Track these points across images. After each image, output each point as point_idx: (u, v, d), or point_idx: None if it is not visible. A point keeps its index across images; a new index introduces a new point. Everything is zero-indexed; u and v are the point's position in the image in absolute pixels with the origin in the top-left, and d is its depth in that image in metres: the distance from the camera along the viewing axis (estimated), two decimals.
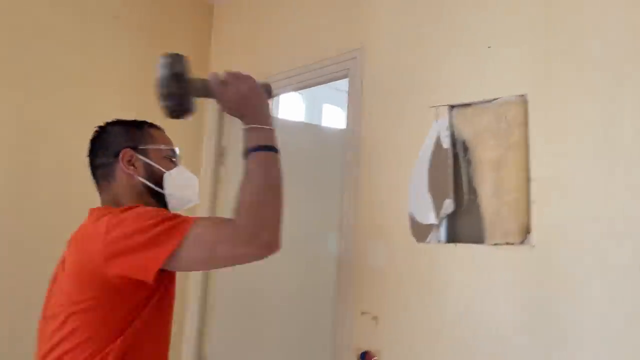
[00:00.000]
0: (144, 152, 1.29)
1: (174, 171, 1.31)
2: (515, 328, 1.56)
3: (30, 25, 2.25)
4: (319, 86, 3.35)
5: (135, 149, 1.29)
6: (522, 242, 1.59)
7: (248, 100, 1.22)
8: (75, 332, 1.10)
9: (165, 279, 1.17)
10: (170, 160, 1.33)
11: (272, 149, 1.19)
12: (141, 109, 2.55)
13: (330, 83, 2.71)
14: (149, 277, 1.07)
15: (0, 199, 2.11)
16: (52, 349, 1.11)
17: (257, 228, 1.09)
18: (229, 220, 1.11)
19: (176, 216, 1.14)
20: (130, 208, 1.17)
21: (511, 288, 1.60)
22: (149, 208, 1.19)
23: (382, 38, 2.11)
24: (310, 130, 2.96)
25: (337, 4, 2.33)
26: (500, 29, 1.75)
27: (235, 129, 2.79)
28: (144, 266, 1.07)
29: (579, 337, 1.44)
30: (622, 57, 1.48)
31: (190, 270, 1.99)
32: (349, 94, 2.15)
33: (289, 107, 3.63)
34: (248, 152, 1.18)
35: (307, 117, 3.93)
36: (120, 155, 1.27)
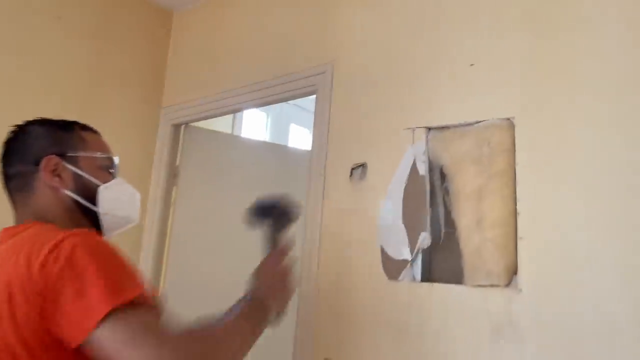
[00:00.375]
0: (74, 160, 1.05)
1: (111, 184, 1.08)
2: None
3: None
4: (286, 106, 3.14)
5: (62, 155, 1.04)
6: (507, 285, 1.39)
7: (281, 287, 1.17)
8: None
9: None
10: (107, 171, 1.10)
11: (261, 324, 1.05)
12: (85, 116, 2.30)
13: (298, 103, 2.52)
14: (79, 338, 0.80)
15: None
16: None
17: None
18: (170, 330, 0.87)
19: (134, 276, 0.88)
20: (74, 237, 0.87)
21: (495, 337, 1.39)
22: (103, 248, 0.90)
23: (354, 52, 1.93)
24: (275, 151, 2.74)
25: (307, 14, 2.14)
26: (485, 45, 1.58)
27: (191, 147, 2.56)
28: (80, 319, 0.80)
29: None
30: (618, 80, 1.32)
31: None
32: (316, 112, 1.94)
33: (253, 126, 3.41)
34: (248, 298, 1.06)
35: (273, 137, 3.71)
36: (43, 163, 1.02)
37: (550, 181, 1.38)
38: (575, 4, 1.43)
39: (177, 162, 2.55)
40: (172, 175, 2.53)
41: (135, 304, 0.82)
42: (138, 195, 1.16)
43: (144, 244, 2.47)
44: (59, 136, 1.07)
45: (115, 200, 1.09)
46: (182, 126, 2.58)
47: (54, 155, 1.03)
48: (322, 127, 1.90)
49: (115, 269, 0.86)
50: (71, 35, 2.31)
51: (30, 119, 2.13)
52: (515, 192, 1.43)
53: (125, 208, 1.12)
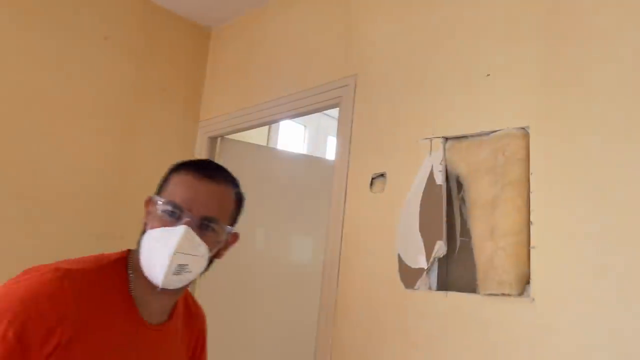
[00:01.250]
0: (152, 202, 1.02)
1: (151, 232, 0.97)
2: None
3: (14, 45, 2.17)
4: (324, 118, 3.23)
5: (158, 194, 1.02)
6: (520, 294, 1.39)
7: None
8: None
9: None
10: (169, 216, 0.97)
11: None
12: (126, 133, 2.46)
13: (335, 115, 2.60)
14: None
15: None
16: None
17: None
18: None
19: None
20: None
21: (509, 347, 1.38)
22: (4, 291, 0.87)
23: (376, 66, 1.97)
24: (307, 162, 2.81)
25: (332, 30, 2.21)
26: (500, 56, 1.59)
27: (226, 158, 2.67)
28: None
29: None
30: (632, 89, 1.30)
31: None
32: (339, 123, 2.00)
33: (291, 139, 3.50)
34: None
35: (311, 150, 3.80)
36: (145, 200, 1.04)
37: (564, 190, 1.37)
38: (589, 14, 1.42)
39: None
40: None
41: None
42: (170, 251, 0.93)
43: None
44: (164, 176, 1.05)
45: (147, 253, 0.97)
46: (218, 138, 2.70)
47: (152, 195, 1.03)
48: (344, 139, 1.96)
49: None
50: (116, 54, 2.48)
51: (78, 134, 2.31)
52: (528, 202, 1.43)
53: (151, 264, 0.96)
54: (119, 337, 0.94)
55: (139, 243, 0.99)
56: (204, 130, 2.71)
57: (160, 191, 1.02)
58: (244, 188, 2.86)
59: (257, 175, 2.67)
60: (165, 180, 1.03)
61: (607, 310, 1.23)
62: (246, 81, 2.59)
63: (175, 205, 0.97)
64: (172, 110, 2.67)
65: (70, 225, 2.24)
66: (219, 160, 2.67)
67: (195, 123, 2.75)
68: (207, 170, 1.04)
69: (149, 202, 1.02)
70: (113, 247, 2.47)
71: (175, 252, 0.92)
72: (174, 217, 0.96)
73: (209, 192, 1.01)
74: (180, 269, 0.95)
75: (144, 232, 0.99)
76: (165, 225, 0.96)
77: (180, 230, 0.94)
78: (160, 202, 0.98)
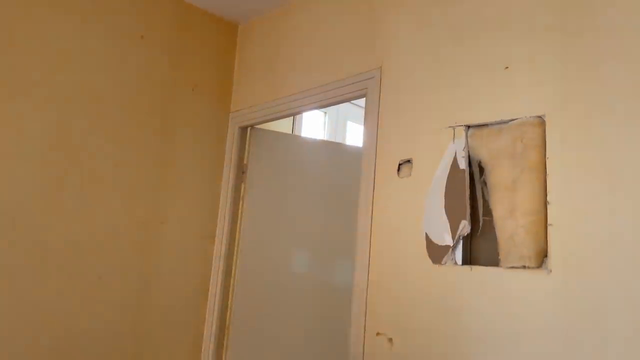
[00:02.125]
0: None
1: None
2: (533, 356, 1.52)
3: (59, 46, 2.34)
4: (343, 104, 3.40)
5: None
6: (538, 267, 1.55)
7: None
8: None
9: None
10: None
11: None
12: (163, 126, 2.64)
13: (353, 101, 2.76)
14: None
15: (27, 210, 2.19)
16: None
17: None
18: None
19: None
20: None
21: (528, 315, 1.55)
22: None
23: (400, 58, 2.12)
24: (330, 148, 2.97)
25: (357, 25, 2.35)
26: (518, 49, 1.73)
27: (256, 147, 2.84)
28: None
29: None
30: None
31: None
32: (366, 112, 2.15)
33: (313, 125, 3.65)
34: None
35: (331, 135, 3.94)
36: None
37: (577, 173, 1.52)
38: (601, 9, 1.55)
39: (245, 161, 2.84)
40: (241, 172, 2.83)
41: None
42: None
43: (217, 233, 2.79)
44: None
45: None
46: (249, 128, 2.87)
47: None
48: (371, 127, 2.11)
49: None
50: (151, 51, 2.64)
51: (123, 128, 2.46)
52: (545, 184, 1.58)
53: None
54: None
55: None
56: (235, 121, 2.88)
57: None
58: (273, 174, 3.08)
59: (285, 161, 2.84)
60: None
61: (620, 280, 1.38)
62: (274, 74, 2.75)
63: None
64: (205, 102, 2.84)
65: (116, 213, 2.44)
66: (250, 148, 2.84)
67: (227, 114, 2.92)
68: None
69: None
70: (154, 232, 2.69)
71: None
72: None
73: None
74: None
75: None
76: None
77: None
78: None
